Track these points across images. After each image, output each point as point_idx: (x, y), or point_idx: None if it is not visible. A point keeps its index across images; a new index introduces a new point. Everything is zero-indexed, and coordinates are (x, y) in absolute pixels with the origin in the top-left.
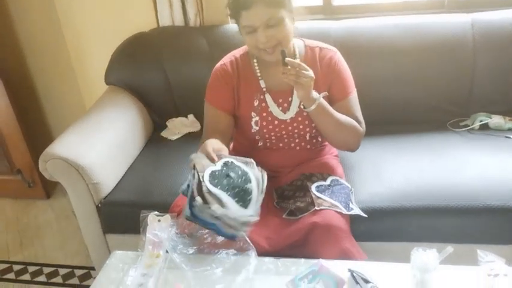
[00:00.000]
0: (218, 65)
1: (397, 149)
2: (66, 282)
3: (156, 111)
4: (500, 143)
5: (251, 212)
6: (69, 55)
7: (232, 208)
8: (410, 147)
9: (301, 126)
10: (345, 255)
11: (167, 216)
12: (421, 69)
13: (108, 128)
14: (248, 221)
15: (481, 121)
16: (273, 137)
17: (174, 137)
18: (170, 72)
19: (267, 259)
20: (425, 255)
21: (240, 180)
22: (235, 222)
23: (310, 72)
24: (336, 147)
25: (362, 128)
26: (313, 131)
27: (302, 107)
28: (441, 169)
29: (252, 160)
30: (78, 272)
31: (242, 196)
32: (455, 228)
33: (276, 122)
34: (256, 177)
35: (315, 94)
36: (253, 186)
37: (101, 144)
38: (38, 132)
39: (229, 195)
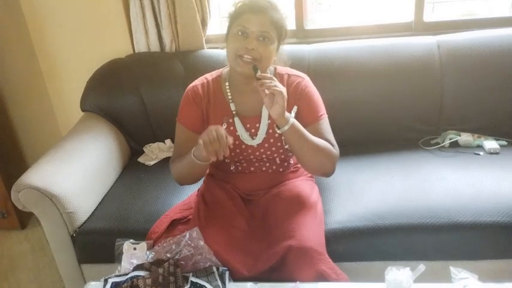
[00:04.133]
0: (189, 86)
1: (371, 168)
2: None
3: (133, 137)
4: (470, 160)
5: None
6: (45, 83)
7: None
8: (384, 167)
9: (268, 152)
10: (321, 278)
11: (143, 244)
12: (392, 90)
13: (83, 156)
14: None
15: (450, 139)
16: (243, 161)
17: (152, 162)
18: (146, 98)
19: (245, 284)
20: (399, 274)
21: None
22: None
23: (282, 85)
24: (311, 172)
25: (336, 150)
26: (282, 156)
27: (276, 128)
28: (414, 187)
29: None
30: None
31: None
32: (429, 245)
33: (243, 147)
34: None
35: (287, 114)
36: None
37: (75, 172)
38: (12, 161)
39: None
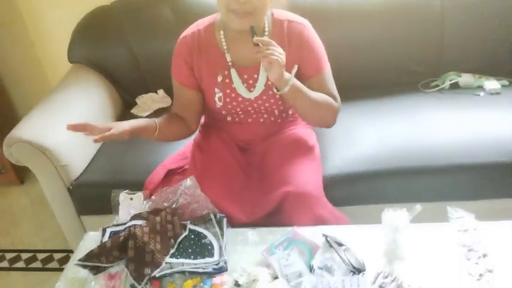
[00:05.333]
0: (180, 37)
1: (370, 113)
2: (46, 267)
3: (124, 88)
4: (470, 101)
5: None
6: (29, 35)
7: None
8: (383, 110)
9: (267, 104)
10: (319, 222)
11: (139, 194)
12: (391, 30)
13: (74, 108)
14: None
15: (451, 80)
16: (240, 113)
17: (145, 114)
18: (136, 46)
19: (242, 229)
20: (395, 215)
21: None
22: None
23: (281, 50)
24: (311, 125)
25: (337, 103)
26: (281, 107)
27: (275, 90)
28: (413, 130)
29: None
30: (57, 256)
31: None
32: (427, 187)
33: (240, 99)
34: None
35: (286, 74)
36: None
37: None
38: (4, 116)
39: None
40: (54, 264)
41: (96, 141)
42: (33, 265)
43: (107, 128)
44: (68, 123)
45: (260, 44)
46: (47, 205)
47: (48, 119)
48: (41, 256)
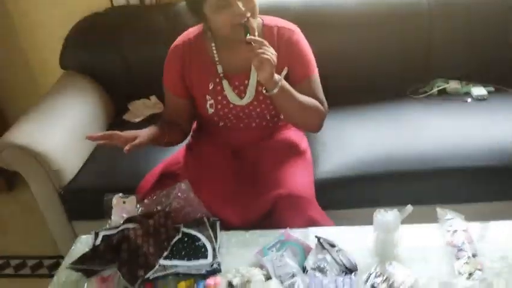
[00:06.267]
0: (172, 46)
1: (359, 118)
2: (35, 273)
3: (117, 94)
4: (458, 107)
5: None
6: (20, 40)
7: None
8: (372, 116)
9: (258, 109)
10: (311, 224)
11: (132, 197)
12: (380, 38)
13: (66, 113)
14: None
15: (438, 87)
16: (232, 118)
17: (137, 120)
18: (128, 53)
19: (235, 232)
20: (386, 216)
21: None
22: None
23: (273, 50)
24: (298, 129)
25: (325, 108)
26: (272, 112)
27: (264, 91)
28: (402, 135)
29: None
30: (47, 262)
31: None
32: (418, 191)
33: (232, 106)
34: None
35: (276, 76)
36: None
37: (59, 130)
38: None
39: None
40: (43, 271)
41: (128, 151)
42: (22, 272)
43: (133, 137)
44: (88, 134)
45: (252, 43)
46: (36, 212)
47: (40, 124)
48: (30, 262)
